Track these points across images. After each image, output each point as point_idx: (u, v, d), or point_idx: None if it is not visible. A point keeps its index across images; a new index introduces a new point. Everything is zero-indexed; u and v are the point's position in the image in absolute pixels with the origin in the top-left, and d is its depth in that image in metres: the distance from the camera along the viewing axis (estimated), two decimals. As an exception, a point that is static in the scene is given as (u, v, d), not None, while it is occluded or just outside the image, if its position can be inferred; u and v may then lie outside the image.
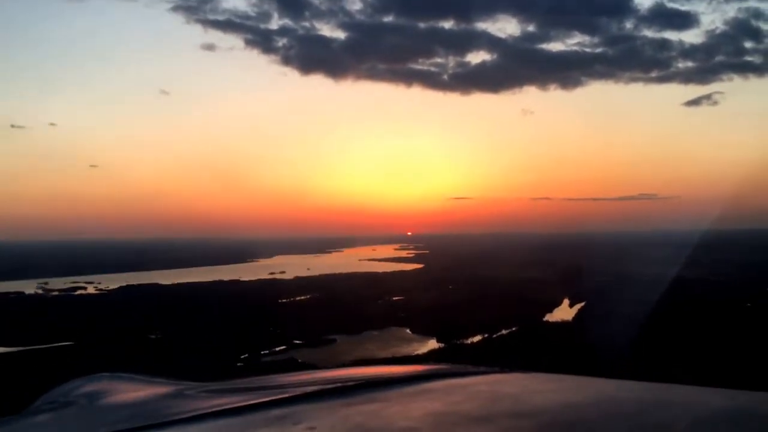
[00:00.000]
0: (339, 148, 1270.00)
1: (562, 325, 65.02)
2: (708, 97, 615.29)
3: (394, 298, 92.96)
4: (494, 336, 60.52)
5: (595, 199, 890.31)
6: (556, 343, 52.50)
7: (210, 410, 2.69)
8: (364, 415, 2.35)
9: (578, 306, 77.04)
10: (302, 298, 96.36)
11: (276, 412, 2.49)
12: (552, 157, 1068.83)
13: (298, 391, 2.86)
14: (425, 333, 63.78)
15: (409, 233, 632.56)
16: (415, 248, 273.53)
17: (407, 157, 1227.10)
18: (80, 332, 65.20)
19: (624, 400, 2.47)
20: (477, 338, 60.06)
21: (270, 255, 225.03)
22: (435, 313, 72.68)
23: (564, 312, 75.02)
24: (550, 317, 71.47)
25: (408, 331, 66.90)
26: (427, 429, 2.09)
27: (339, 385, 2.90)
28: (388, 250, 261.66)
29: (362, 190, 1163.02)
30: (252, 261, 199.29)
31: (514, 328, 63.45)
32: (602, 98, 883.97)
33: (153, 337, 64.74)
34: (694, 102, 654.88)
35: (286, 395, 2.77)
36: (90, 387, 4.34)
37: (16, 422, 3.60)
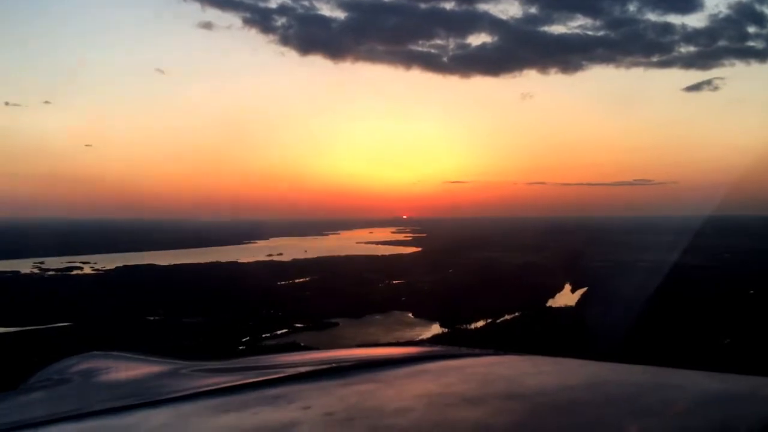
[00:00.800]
0: (336, 131, 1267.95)
1: (566, 311, 64.53)
2: (709, 82, 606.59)
3: (395, 282, 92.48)
4: (498, 321, 60.06)
5: (590, 184, 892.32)
6: (561, 329, 52.07)
7: (204, 389, 2.70)
8: (359, 396, 2.38)
9: (581, 292, 76.58)
10: (302, 280, 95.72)
11: (271, 391, 2.52)
12: (549, 141, 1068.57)
13: (293, 371, 2.89)
14: (428, 317, 63.23)
15: (406, 216, 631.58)
16: (412, 231, 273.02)
17: (404, 140, 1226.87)
18: (78, 313, 64.38)
19: (618, 383, 2.48)
20: (480, 323, 59.57)
21: (266, 237, 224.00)
22: (437, 297, 72.19)
23: (567, 298, 74.61)
24: (553, 303, 71.01)
25: (410, 315, 66.38)
26: (420, 409, 2.13)
27: (334, 365, 2.94)
28: (385, 234, 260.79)
29: (358, 173, 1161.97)
30: (248, 243, 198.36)
31: (517, 314, 62.97)
32: (602, 83, 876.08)
33: (152, 318, 63.97)
34: (695, 87, 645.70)
35: (281, 375, 2.80)
36: (85, 364, 4.47)
37: (10, 399, 3.64)
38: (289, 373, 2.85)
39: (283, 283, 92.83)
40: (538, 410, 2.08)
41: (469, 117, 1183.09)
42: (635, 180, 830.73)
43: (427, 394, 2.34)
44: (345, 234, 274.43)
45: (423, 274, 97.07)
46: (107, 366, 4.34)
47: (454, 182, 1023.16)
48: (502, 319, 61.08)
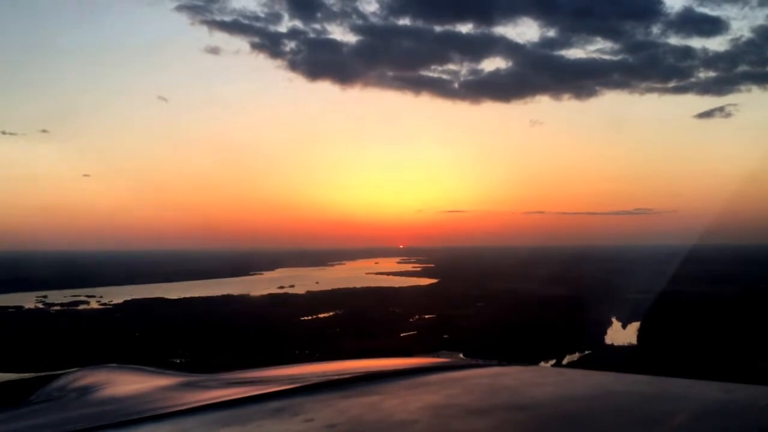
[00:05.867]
0: (337, 159, 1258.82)
1: (632, 349, 59.20)
2: (721, 109, 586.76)
3: (426, 316, 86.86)
4: (563, 362, 54.62)
5: (589, 213, 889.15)
6: (639, 369, 46.72)
7: (208, 402, 2.72)
8: (362, 408, 2.42)
9: (635, 326, 71.28)
10: (326, 315, 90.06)
11: (274, 404, 2.55)
12: (553, 169, 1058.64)
13: (297, 383, 2.91)
14: (482, 358, 57.62)
15: (401, 246, 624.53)
16: (418, 261, 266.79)
17: (407, 168, 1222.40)
18: (93, 355, 58.37)
19: (621, 393, 2.51)
20: (545, 364, 54.07)
21: (271, 267, 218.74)
22: (481, 334, 66.86)
23: (623, 334, 69.29)
24: (612, 340, 65.55)
25: (461, 356, 60.71)
26: (424, 422, 2.17)
27: (337, 377, 2.98)
28: (391, 264, 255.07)
29: (359, 202, 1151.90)
30: (255, 274, 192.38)
31: (579, 353, 57.68)
32: (614, 109, 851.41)
33: (178, 361, 58.15)
34: (707, 114, 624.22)
35: (284, 387, 2.82)
36: (93, 377, 4.55)
37: (20, 411, 3.73)
38: (292, 386, 2.83)
39: (306, 318, 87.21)
40: (542, 421, 2.10)
41: (475, 144, 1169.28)
42: (635, 209, 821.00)
43: (431, 406, 2.37)
44: (350, 264, 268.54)
45: (453, 308, 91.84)
46: (116, 379, 4.33)
47: (451, 211, 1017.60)
48: (567, 359, 55.67)
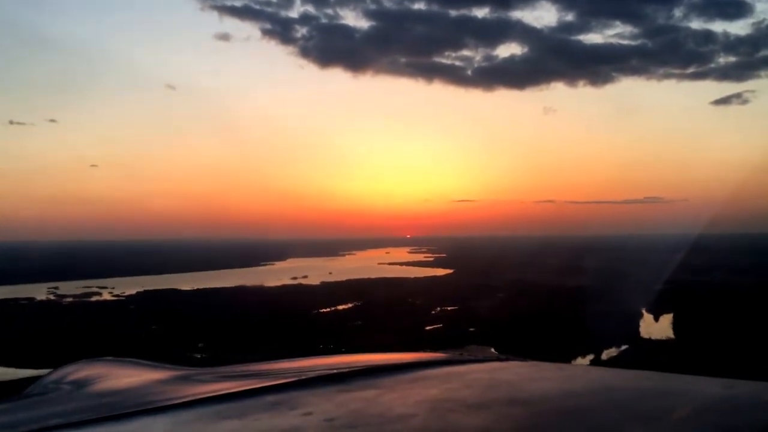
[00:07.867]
0: (345, 147, 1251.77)
1: (670, 343, 56.75)
2: (738, 95, 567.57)
3: (448, 308, 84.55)
4: (603, 357, 52.24)
5: (599, 202, 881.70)
6: (678, 365, 44.30)
7: (206, 395, 2.70)
8: (361, 402, 2.43)
9: (667, 318, 68.76)
10: (345, 307, 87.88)
11: (272, 397, 2.55)
12: (564, 158, 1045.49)
13: (295, 377, 2.89)
14: (516, 353, 55.20)
15: (409, 236, 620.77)
16: (429, 251, 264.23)
17: (418, 156, 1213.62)
18: (112, 350, 56.49)
19: (621, 389, 2.52)
20: (583, 360, 51.77)
21: (281, 258, 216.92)
22: (507, 326, 64.63)
23: (656, 327, 66.78)
24: (648, 334, 63.04)
25: (493, 350, 58.43)
26: (423, 416, 2.19)
27: (335, 371, 2.96)
28: (402, 254, 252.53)
29: (368, 191, 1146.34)
30: (266, 264, 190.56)
31: (616, 348, 55.27)
32: (629, 96, 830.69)
33: (198, 356, 56.07)
34: (723, 101, 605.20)
35: (282, 381, 2.82)
36: (89, 370, 4.45)
37: (14, 404, 3.65)
38: (291, 380, 2.83)
39: (325, 310, 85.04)
40: (541, 416, 2.13)
41: (487, 133, 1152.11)
42: (646, 198, 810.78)
43: (430, 400, 2.41)
44: (360, 254, 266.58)
45: (472, 299, 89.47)
46: (113, 372, 4.25)
47: (461, 201, 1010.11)
48: (607, 355, 53.25)
